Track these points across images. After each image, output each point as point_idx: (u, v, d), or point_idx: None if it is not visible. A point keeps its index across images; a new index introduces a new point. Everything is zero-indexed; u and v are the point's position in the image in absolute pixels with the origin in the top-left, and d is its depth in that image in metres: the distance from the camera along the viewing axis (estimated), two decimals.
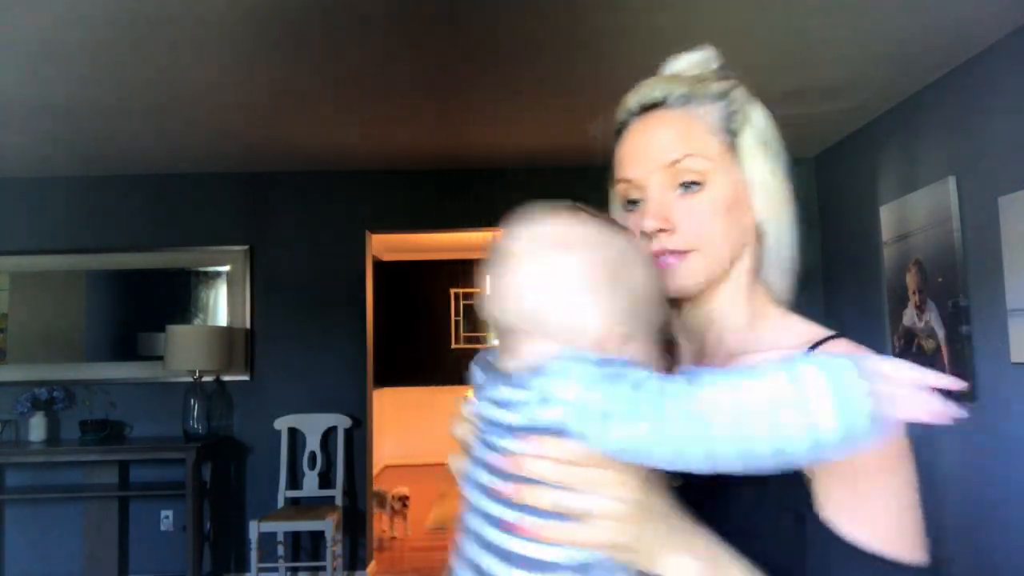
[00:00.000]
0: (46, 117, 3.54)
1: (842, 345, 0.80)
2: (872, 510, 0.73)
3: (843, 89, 3.41)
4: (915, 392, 0.58)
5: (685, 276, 0.85)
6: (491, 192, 4.66)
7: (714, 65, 0.92)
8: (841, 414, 0.57)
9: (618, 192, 0.90)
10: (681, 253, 0.84)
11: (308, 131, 3.94)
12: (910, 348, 3.51)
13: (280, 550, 4.23)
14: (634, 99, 0.90)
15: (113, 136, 3.88)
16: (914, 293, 3.48)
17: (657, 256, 0.84)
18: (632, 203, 0.89)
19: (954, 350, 3.17)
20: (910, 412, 0.58)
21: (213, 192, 4.65)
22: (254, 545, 4.00)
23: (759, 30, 2.79)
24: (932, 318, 3.33)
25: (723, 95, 0.89)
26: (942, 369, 3.23)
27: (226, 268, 4.62)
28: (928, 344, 3.36)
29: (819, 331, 0.83)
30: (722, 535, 0.71)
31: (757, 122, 0.89)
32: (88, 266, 4.57)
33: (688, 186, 0.85)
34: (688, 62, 0.91)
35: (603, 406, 0.63)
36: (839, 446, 0.58)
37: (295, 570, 4.45)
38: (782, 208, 0.89)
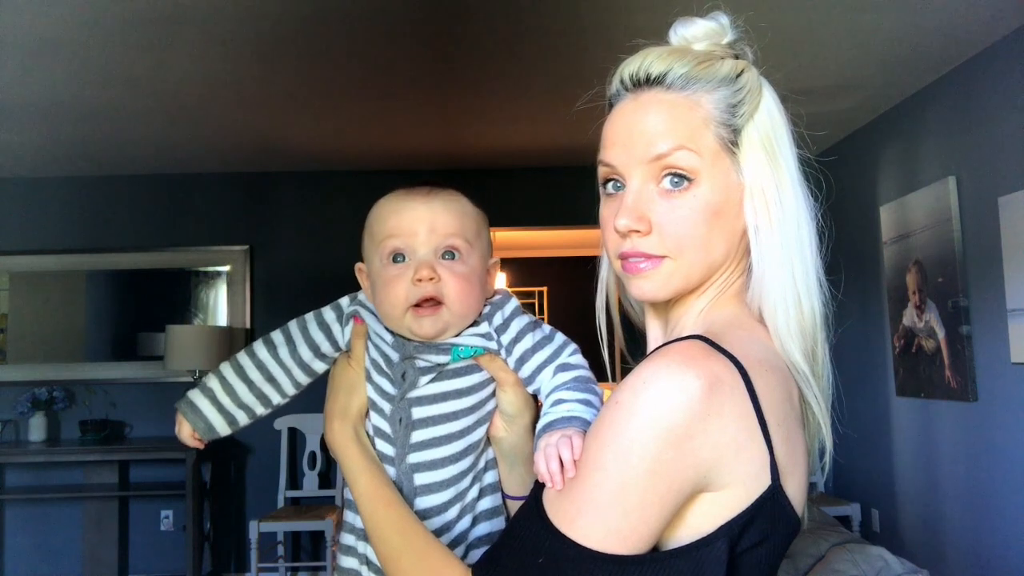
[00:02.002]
0: (46, 117, 3.53)
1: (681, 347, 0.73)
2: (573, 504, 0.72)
3: (843, 89, 3.41)
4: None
5: (654, 284, 0.77)
6: (491, 192, 4.66)
7: (728, 38, 0.81)
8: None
9: (599, 172, 0.81)
10: (654, 258, 0.76)
11: (308, 131, 3.93)
12: (910, 348, 3.51)
13: (280, 550, 4.23)
14: (630, 70, 0.80)
15: (113, 136, 3.87)
16: (914, 293, 3.48)
17: (627, 258, 0.77)
18: (610, 182, 0.80)
19: (954, 350, 3.17)
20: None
21: (213, 192, 4.65)
22: (254, 545, 3.99)
23: (759, 29, 2.78)
24: (932, 318, 3.33)
25: (731, 80, 0.78)
26: (942, 369, 3.24)
27: (226, 268, 4.62)
28: (928, 344, 3.36)
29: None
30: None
31: (765, 117, 0.79)
32: (88, 266, 4.57)
33: (675, 182, 0.75)
34: (701, 30, 0.81)
35: None
36: None
37: (295, 570, 4.45)
38: (778, 224, 0.77)
